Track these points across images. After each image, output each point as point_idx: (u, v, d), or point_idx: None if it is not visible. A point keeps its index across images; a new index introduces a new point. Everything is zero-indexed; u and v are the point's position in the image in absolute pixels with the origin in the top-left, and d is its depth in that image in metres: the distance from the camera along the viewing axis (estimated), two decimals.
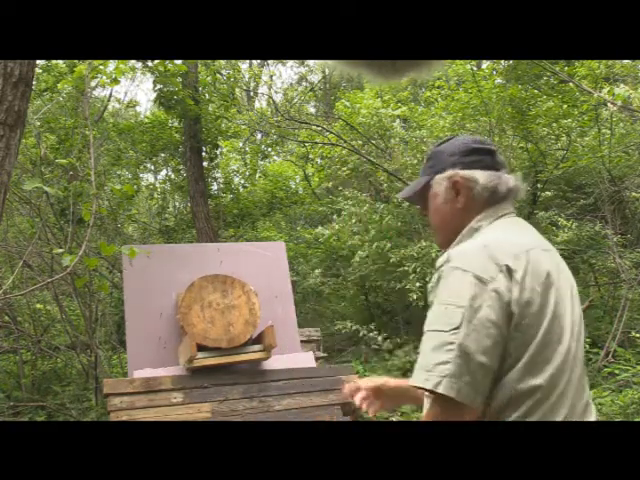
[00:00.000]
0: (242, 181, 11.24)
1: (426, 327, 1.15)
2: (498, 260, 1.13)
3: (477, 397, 1.09)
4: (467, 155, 1.32)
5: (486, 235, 1.25)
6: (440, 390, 1.07)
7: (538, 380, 1.11)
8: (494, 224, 1.29)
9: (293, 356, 3.35)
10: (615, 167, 6.84)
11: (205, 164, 9.13)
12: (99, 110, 8.98)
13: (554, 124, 6.66)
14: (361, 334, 6.47)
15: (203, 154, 8.93)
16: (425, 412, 1.17)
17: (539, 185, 7.41)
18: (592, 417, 1.23)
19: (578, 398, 1.18)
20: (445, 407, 1.10)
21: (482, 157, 1.33)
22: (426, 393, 1.14)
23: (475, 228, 1.29)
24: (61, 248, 4.13)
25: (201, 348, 2.96)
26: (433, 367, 1.09)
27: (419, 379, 1.11)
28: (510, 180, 1.35)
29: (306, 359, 3.41)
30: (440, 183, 1.33)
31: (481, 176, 1.30)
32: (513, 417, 1.12)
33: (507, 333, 1.10)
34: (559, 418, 1.13)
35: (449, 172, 1.32)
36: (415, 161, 7.07)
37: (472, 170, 1.31)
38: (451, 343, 1.08)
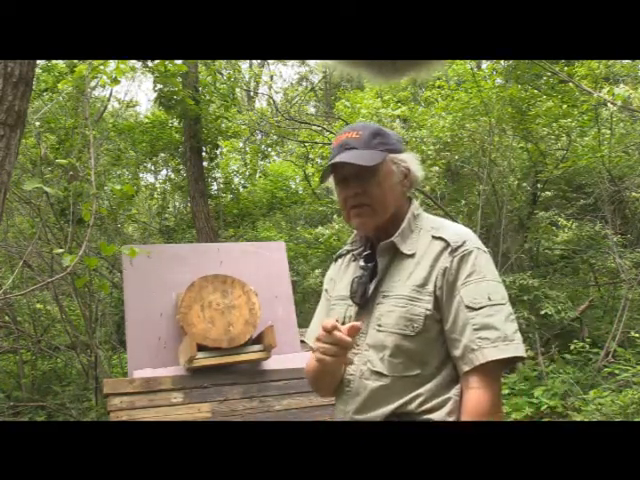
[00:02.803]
0: (242, 181, 11.24)
1: (480, 303, 1.21)
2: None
3: None
4: (399, 141, 1.38)
5: (441, 222, 1.36)
6: (521, 353, 1.19)
7: None
8: (424, 214, 1.39)
9: (293, 356, 3.35)
10: (615, 167, 6.84)
11: (205, 164, 9.12)
12: (99, 110, 8.97)
13: (554, 124, 6.65)
14: None
15: (203, 154, 8.93)
16: (488, 387, 1.19)
17: (539, 185, 7.41)
18: None
19: None
20: (500, 374, 1.24)
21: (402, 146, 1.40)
22: (487, 369, 1.19)
23: (416, 214, 1.37)
24: (61, 248, 4.13)
25: (201, 348, 2.96)
26: (512, 335, 1.19)
27: (508, 350, 1.18)
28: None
29: (306, 359, 3.40)
30: (398, 163, 1.34)
31: (413, 162, 1.37)
32: None
33: None
34: None
35: (404, 156, 1.36)
36: None
37: (403, 154, 1.37)
38: (511, 313, 1.23)
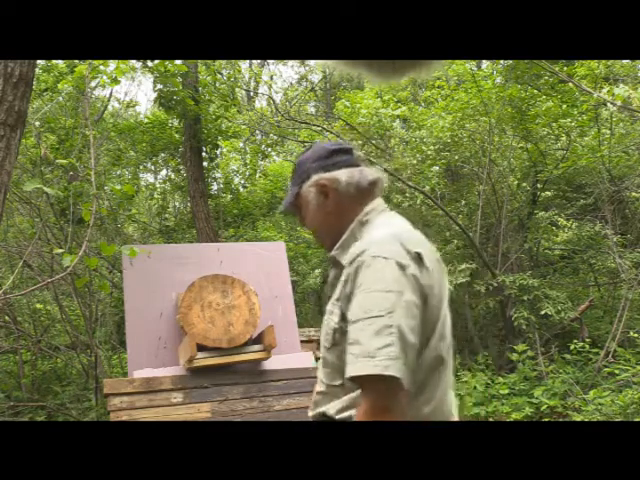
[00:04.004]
0: (242, 181, 11.24)
1: (357, 316, 1.16)
2: (409, 248, 1.21)
3: (410, 375, 1.13)
4: (327, 158, 1.41)
5: (383, 227, 1.31)
6: (390, 372, 1.08)
7: (445, 352, 1.24)
8: (381, 217, 1.37)
9: (293, 356, 3.35)
10: (615, 167, 6.84)
11: (205, 164, 9.12)
12: (99, 110, 8.97)
13: (554, 124, 6.65)
14: None
15: (203, 154, 8.93)
16: (363, 401, 1.14)
17: (539, 185, 7.41)
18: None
19: (451, 372, 1.31)
20: (385, 390, 1.11)
21: (341, 157, 1.41)
22: (357, 384, 1.16)
23: (364, 221, 1.36)
24: (61, 248, 4.13)
25: (201, 348, 2.96)
26: (376, 352, 1.10)
27: (364, 367, 1.10)
28: (371, 173, 1.41)
29: (306, 359, 3.40)
30: (309, 190, 1.41)
31: (343, 174, 1.38)
32: (429, 387, 1.21)
33: (423, 314, 1.19)
34: (450, 384, 1.28)
35: (314, 178, 1.40)
36: (415, 161, 7.07)
37: (333, 171, 1.39)
38: (390, 326, 1.11)
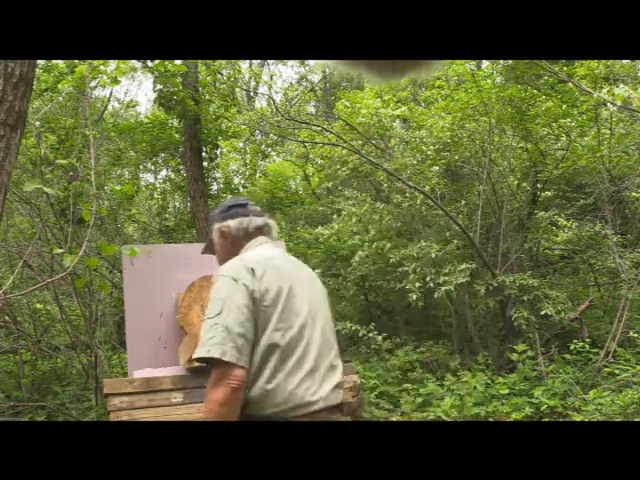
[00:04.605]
0: (242, 181, 11.24)
1: (204, 318, 1.66)
2: (246, 265, 1.71)
3: (242, 357, 1.58)
4: (225, 212, 2.01)
5: (244, 254, 1.87)
6: (210, 354, 1.56)
7: (282, 341, 1.64)
8: (255, 249, 1.91)
9: None
10: (615, 167, 6.84)
11: (205, 164, 9.12)
12: (99, 110, 8.98)
13: (554, 124, 6.65)
14: (361, 334, 6.47)
15: (203, 154, 8.93)
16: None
17: (539, 185, 7.41)
18: (336, 377, 1.73)
19: (321, 360, 1.71)
20: (220, 368, 1.56)
21: (236, 210, 1.99)
22: (201, 363, 1.64)
23: (243, 252, 1.92)
24: (61, 248, 4.13)
25: None
26: (205, 342, 1.60)
27: (198, 352, 1.60)
28: (257, 220, 1.98)
29: None
30: (215, 234, 2.00)
31: (233, 223, 1.96)
32: (268, 368, 1.61)
33: (255, 311, 1.64)
34: (303, 372, 1.64)
35: (216, 226, 2.00)
36: (415, 161, 7.07)
37: (228, 221, 1.97)
38: (216, 323, 1.60)
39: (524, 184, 7.47)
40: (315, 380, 1.64)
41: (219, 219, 2.00)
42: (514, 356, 5.63)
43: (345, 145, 7.42)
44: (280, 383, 1.59)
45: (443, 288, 6.00)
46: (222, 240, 1.98)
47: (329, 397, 1.66)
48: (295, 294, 1.72)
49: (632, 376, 4.57)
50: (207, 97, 8.48)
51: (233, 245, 1.94)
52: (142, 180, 11.05)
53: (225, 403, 1.52)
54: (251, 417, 1.58)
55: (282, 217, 10.65)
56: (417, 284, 6.19)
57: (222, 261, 1.95)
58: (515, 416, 4.72)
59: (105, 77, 3.98)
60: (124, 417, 2.81)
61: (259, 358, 1.61)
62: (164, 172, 10.99)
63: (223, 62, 9.35)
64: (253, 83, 12.07)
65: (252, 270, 1.68)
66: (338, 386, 1.72)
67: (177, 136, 9.33)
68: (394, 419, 5.05)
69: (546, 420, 4.66)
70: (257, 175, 11.39)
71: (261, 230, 1.97)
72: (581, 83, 5.77)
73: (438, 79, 8.41)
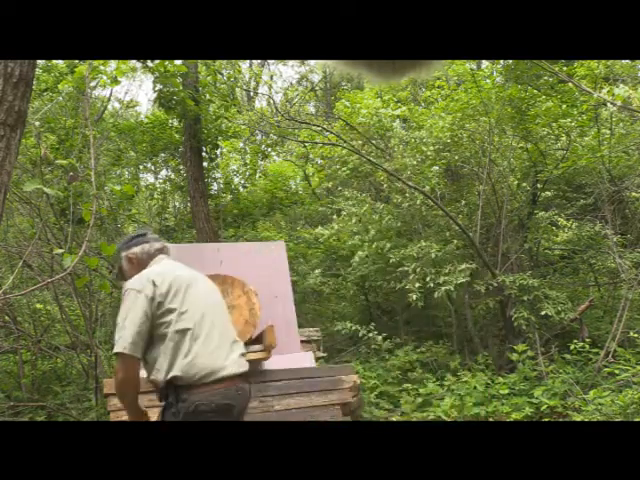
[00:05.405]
0: (242, 181, 11.24)
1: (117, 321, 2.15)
2: (149, 278, 2.18)
3: (137, 350, 2.08)
4: (130, 242, 2.44)
5: (148, 269, 2.31)
6: (116, 350, 2.07)
7: (190, 324, 2.12)
8: (156, 264, 2.35)
9: (293, 356, 3.35)
10: (615, 167, 6.84)
11: (205, 164, 9.12)
12: (99, 110, 8.98)
13: (554, 124, 6.65)
14: (361, 334, 6.47)
15: (203, 154, 8.93)
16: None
17: (539, 185, 7.41)
18: (239, 349, 2.23)
19: (225, 338, 2.20)
20: (121, 360, 2.08)
21: (137, 239, 2.43)
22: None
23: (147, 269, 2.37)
24: (61, 248, 4.13)
25: None
26: (115, 341, 2.09)
27: (114, 349, 2.09)
28: (156, 244, 2.43)
29: (306, 359, 3.40)
30: (124, 261, 2.42)
31: (137, 249, 2.40)
32: (185, 347, 2.08)
33: (157, 312, 2.12)
34: (213, 345, 2.12)
35: (123, 254, 2.42)
36: (415, 161, 7.07)
37: (133, 248, 2.40)
38: (123, 327, 2.09)
39: (524, 184, 7.47)
40: (223, 350, 2.15)
41: (125, 248, 2.44)
42: (514, 356, 5.63)
43: (345, 145, 7.43)
44: (196, 355, 2.07)
45: (443, 288, 6.00)
46: (130, 265, 2.41)
47: (238, 362, 2.17)
48: (193, 292, 2.21)
49: (632, 376, 4.57)
50: (207, 97, 8.48)
51: (140, 266, 2.37)
52: (142, 180, 11.05)
53: (123, 382, 2.09)
54: (183, 387, 2.01)
55: (282, 217, 10.65)
56: (417, 284, 6.19)
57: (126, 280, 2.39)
58: (515, 416, 4.73)
59: (105, 77, 3.98)
60: (124, 417, 2.81)
61: (174, 343, 2.09)
62: (164, 172, 11.00)
63: (223, 62, 9.36)
64: (253, 83, 12.07)
65: (153, 282, 2.16)
66: (243, 355, 2.25)
67: (177, 136, 9.33)
68: (394, 419, 5.05)
69: (546, 420, 4.66)
70: (257, 175, 11.39)
71: (161, 250, 2.43)
72: (581, 83, 5.77)
73: (438, 79, 8.42)
